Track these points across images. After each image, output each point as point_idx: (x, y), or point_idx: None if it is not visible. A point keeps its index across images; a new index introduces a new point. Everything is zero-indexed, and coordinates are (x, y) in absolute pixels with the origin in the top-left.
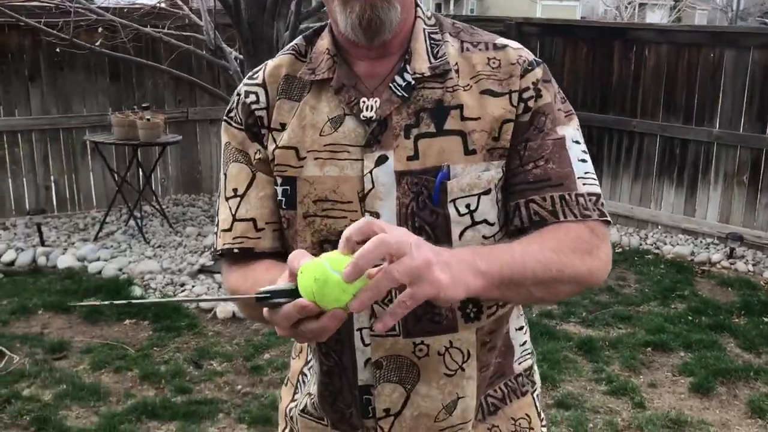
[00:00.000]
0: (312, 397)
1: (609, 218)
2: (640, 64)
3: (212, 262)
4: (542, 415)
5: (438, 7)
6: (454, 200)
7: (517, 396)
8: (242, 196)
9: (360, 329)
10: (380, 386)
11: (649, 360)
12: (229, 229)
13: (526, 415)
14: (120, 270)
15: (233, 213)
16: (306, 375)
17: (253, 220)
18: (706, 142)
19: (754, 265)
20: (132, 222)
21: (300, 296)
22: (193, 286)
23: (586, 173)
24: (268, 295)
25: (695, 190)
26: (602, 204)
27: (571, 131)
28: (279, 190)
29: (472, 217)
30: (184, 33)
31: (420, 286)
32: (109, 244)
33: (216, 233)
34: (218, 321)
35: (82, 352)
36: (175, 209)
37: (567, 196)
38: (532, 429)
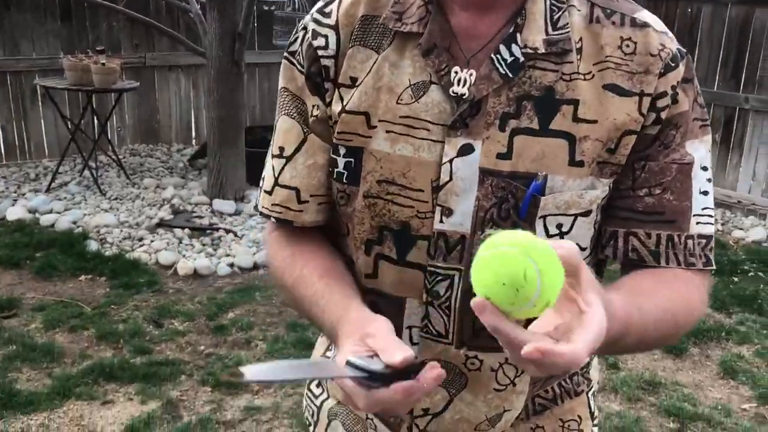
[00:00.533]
0: None
1: (714, 265)
2: None
3: (172, 216)
4: (596, 414)
5: None
6: (544, 217)
7: (570, 396)
8: (288, 159)
9: (410, 327)
10: None
11: None
12: (270, 193)
13: (578, 416)
14: (74, 223)
15: (276, 176)
16: None
17: (297, 191)
18: None
19: (723, 224)
20: (87, 172)
21: (395, 380)
22: (152, 241)
23: (704, 209)
24: (365, 375)
25: None
26: (711, 248)
27: (702, 152)
28: (341, 161)
29: (562, 239)
30: None
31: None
32: (63, 195)
33: (260, 187)
34: (179, 278)
35: (33, 310)
36: (132, 160)
37: (676, 238)
38: (582, 431)
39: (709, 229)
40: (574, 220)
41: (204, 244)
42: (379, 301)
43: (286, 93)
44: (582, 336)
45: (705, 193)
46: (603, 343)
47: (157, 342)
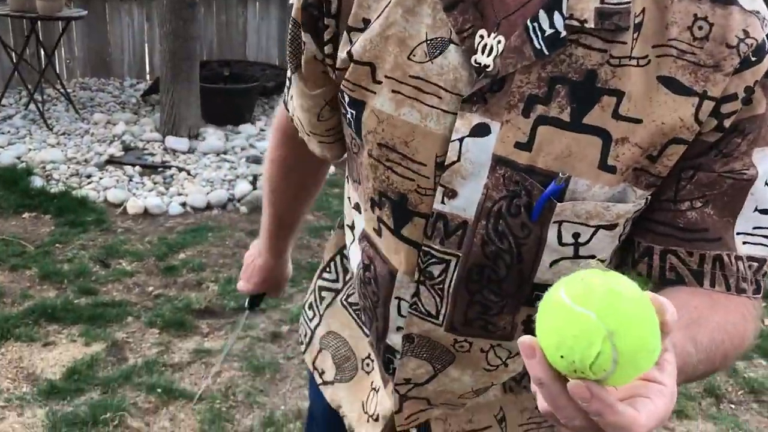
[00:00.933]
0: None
1: (762, 290)
2: None
3: (122, 153)
4: None
5: None
6: (560, 222)
7: None
8: (291, 94)
9: (398, 298)
10: (405, 358)
11: None
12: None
13: None
14: (18, 158)
15: (286, 96)
16: (350, 270)
17: (301, 124)
18: None
19: None
20: (32, 106)
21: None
22: (100, 178)
23: (755, 228)
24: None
25: None
26: (764, 273)
27: (763, 167)
28: (348, 112)
29: (575, 249)
30: None
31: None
32: (6, 129)
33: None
34: (129, 217)
35: None
36: (82, 94)
37: (726, 258)
38: None
39: (762, 252)
40: (595, 232)
41: (155, 183)
42: (375, 260)
43: (291, 23)
44: (647, 407)
45: (764, 212)
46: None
47: (103, 283)
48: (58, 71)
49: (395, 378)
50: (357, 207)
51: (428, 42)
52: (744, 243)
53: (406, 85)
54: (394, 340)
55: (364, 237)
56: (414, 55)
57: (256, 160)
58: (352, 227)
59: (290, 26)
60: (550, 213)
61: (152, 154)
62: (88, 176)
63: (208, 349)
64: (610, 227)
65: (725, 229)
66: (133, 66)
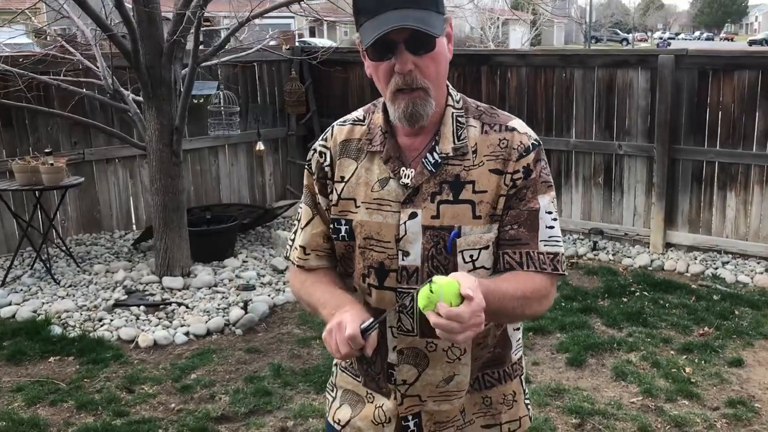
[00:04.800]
0: (350, 361)
1: (562, 272)
2: (504, 85)
3: (126, 296)
4: (526, 392)
5: (311, 32)
6: (462, 251)
7: (510, 379)
8: (302, 228)
9: (390, 327)
10: (401, 366)
11: (532, 343)
12: (294, 249)
13: (513, 392)
14: (35, 312)
15: (292, 240)
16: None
17: (303, 248)
18: (566, 150)
19: (613, 254)
20: (38, 265)
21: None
22: (111, 320)
23: (550, 237)
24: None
25: (560, 193)
26: (558, 261)
27: (546, 201)
28: (343, 228)
29: (474, 264)
30: (78, 79)
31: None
32: (18, 288)
33: (290, 245)
34: (141, 350)
35: (12, 391)
36: (78, 249)
37: (532, 253)
38: (516, 401)
39: (556, 249)
40: (480, 252)
41: (160, 318)
42: (371, 312)
43: (305, 189)
44: (466, 306)
45: (550, 227)
46: (491, 306)
47: (132, 405)
48: (58, 231)
49: (396, 381)
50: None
51: (379, 180)
52: (545, 245)
53: (373, 204)
54: (392, 357)
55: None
56: (373, 189)
57: (246, 288)
58: None
59: (305, 192)
60: (455, 247)
61: (152, 294)
62: (100, 320)
63: None
64: (486, 248)
65: (532, 238)
66: (121, 219)
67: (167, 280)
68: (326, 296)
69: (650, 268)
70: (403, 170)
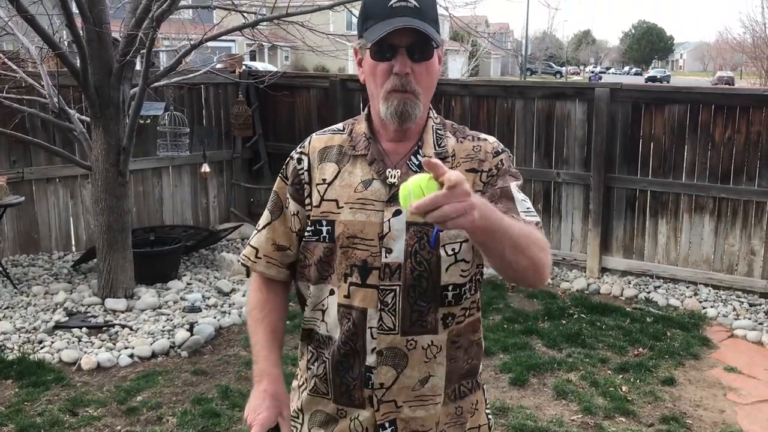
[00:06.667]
0: (320, 376)
1: (547, 240)
2: (448, 113)
3: (67, 318)
4: (488, 401)
5: (252, 56)
6: (444, 245)
7: (479, 389)
8: (258, 231)
9: (371, 328)
10: (380, 368)
11: None
12: (246, 247)
13: (477, 400)
14: None
15: (251, 240)
16: (311, 368)
17: (256, 249)
18: None
19: (552, 278)
20: None
21: None
22: (52, 342)
23: (527, 209)
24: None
25: None
26: (541, 228)
27: (515, 185)
28: (325, 229)
29: (455, 257)
30: (21, 96)
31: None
32: None
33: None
34: (84, 372)
35: None
36: (15, 270)
37: (516, 217)
38: (478, 409)
39: (535, 218)
40: (461, 245)
41: (103, 340)
42: (351, 312)
43: (273, 194)
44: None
45: (524, 200)
46: (493, 217)
47: (76, 428)
48: None
49: (374, 385)
50: (321, 310)
51: (362, 182)
52: (525, 215)
53: (357, 203)
54: (370, 360)
55: (341, 306)
56: (357, 190)
57: (192, 310)
58: (313, 332)
59: (272, 197)
60: (438, 241)
61: (95, 316)
62: (40, 342)
63: None
64: (466, 241)
65: (512, 208)
66: (60, 240)
67: (110, 302)
68: (258, 349)
69: (587, 292)
70: (389, 171)
